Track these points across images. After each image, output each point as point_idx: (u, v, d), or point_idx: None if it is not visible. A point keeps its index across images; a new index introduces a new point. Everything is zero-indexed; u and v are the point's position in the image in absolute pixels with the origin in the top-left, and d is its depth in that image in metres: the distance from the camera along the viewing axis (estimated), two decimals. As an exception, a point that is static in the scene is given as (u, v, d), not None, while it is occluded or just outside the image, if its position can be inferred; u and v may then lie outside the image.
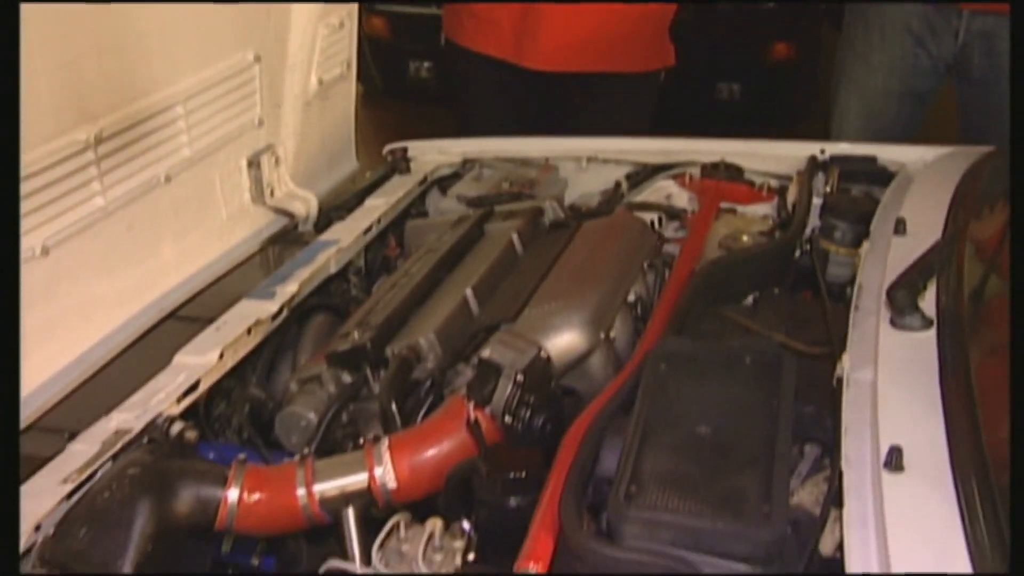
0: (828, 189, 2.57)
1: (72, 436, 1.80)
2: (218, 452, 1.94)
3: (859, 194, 2.60)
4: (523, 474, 1.56)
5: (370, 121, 3.09)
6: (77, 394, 1.99)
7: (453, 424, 1.70)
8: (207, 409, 2.12)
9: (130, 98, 2.15)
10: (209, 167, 2.48)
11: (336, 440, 1.95)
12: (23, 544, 1.55)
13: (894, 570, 1.22)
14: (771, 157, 2.80)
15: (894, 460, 1.37)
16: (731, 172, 2.67)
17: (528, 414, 1.67)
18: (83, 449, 1.72)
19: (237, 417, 2.01)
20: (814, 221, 2.50)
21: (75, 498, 1.62)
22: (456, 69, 3.86)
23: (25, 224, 1.92)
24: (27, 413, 1.88)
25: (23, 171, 1.87)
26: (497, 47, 3.55)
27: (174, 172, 2.33)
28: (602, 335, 1.86)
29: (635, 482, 1.44)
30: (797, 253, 2.37)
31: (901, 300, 1.68)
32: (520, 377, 1.66)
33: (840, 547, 1.37)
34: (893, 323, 1.71)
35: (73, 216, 2.04)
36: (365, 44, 6.53)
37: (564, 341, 1.83)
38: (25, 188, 1.90)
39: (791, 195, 2.61)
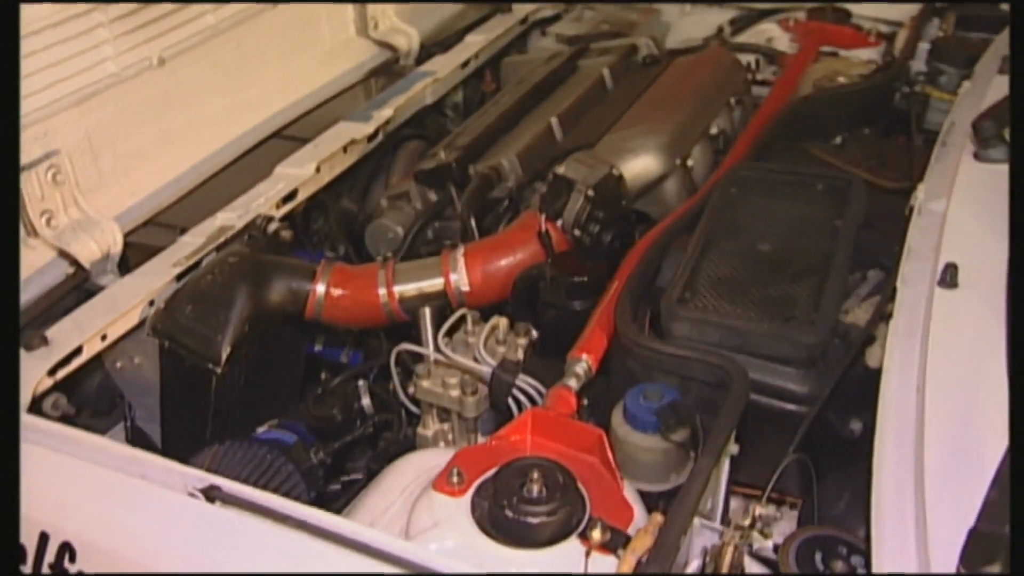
0: (941, 33, 2.46)
1: (183, 231, 1.97)
2: (312, 259, 2.09)
3: (975, 39, 2.47)
4: (585, 279, 1.64)
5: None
6: (189, 197, 2.16)
7: (526, 235, 1.78)
8: (306, 221, 2.28)
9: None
10: (316, -7, 2.57)
11: (421, 255, 2.07)
12: (139, 316, 1.75)
13: (929, 379, 1.26)
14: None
15: (948, 276, 1.39)
16: (838, 15, 2.58)
17: (597, 229, 1.73)
18: (191, 241, 1.89)
19: (328, 225, 2.15)
20: (920, 67, 2.42)
21: (183, 281, 1.79)
22: None
23: (141, 36, 2.07)
24: (146, 210, 2.07)
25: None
26: None
27: (281, -6, 2.42)
28: (677, 161, 1.89)
29: (690, 288, 1.50)
30: (897, 97, 2.31)
31: (986, 131, 1.64)
32: (591, 192, 1.72)
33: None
34: (977, 156, 1.68)
35: (186, 32, 2.18)
36: None
37: (639, 164, 1.87)
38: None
39: (900, 40, 2.51)
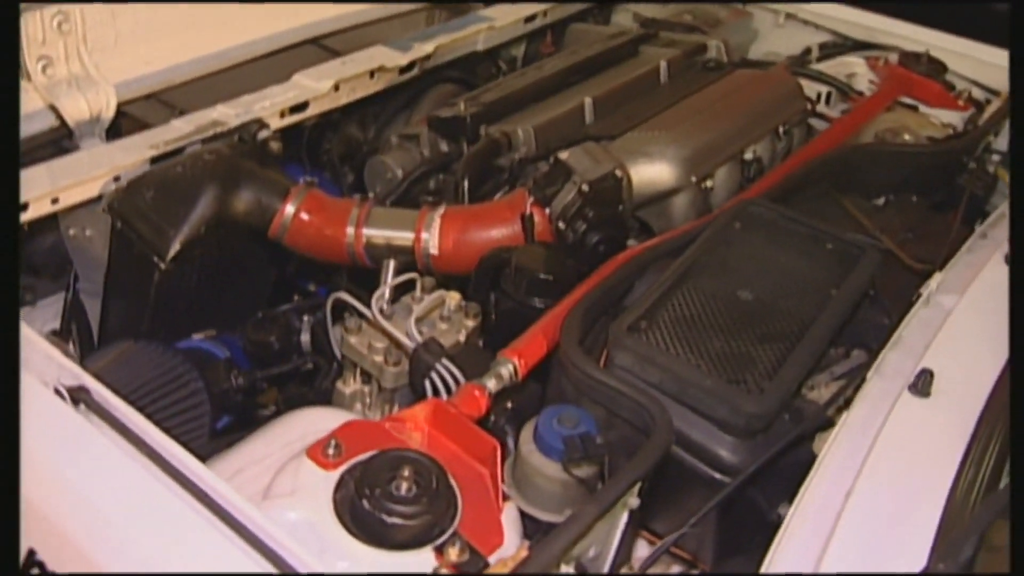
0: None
1: (182, 113, 1.89)
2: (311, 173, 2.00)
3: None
4: (551, 278, 1.52)
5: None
6: (201, 83, 2.08)
7: (510, 213, 1.67)
8: (318, 140, 2.19)
9: None
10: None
11: (417, 204, 1.97)
12: (99, 189, 1.68)
13: (858, 487, 1.14)
14: (988, 65, 2.44)
15: (921, 383, 1.25)
16: (933, 67, 2.37)
17: (584, 228, 1.61)
18: (180, 127, 1.81)
19: (329, 147, 2.06)
20: (1002, 145, 2.22)
21: (155, 165, 1.72)
22: None
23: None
24: (152, 84, 2.00)
25: None
26: None
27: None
28: (694, 178, 1.74)
29: (648, 318, 1.37)
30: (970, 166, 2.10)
31: (1024, 235, 1.47)
32: (585, 187, 1.59)
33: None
34: (1007, 258, 1.52)
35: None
36: None
37: (651, 171, 1.72)
38: None
39: (990, 112, 2.30)
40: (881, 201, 1.98)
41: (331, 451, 1.19)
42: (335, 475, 1.18)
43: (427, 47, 2.22)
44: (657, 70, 2.17)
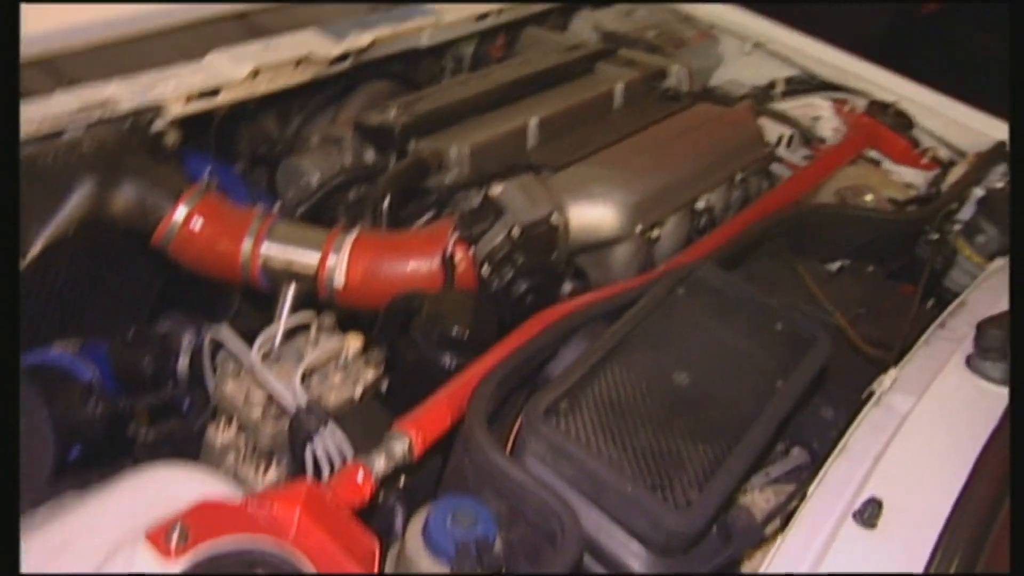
0: (1001, 185, 2.13)
1: (70, 84, 1.65)
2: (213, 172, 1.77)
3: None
4: (465, 334, 1.33)
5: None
6: (103, 50, 1.83)
7: (430, 247, 1.47)
8: (226, 127, 1.96)
9: None
10: None
11: (333, 218, 1.76)
12: None
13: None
14: (958, 124, 2.31)
15: (866, 514, 1.09)
16: (899, 121, 2.24)
17: (511, 275, 1.43)
18: (65, 101, 1.56)
19: (241, 144, 1.83)
20: (965, 214, 2.10)
21: (26, 147, 1.48)
22: None
23: None
24: (45, 46, 1.75)
25: None
26: None
27: None
28: (639, 228, 1.56)
29: (570, 398, 1.20)
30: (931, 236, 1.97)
31: (990, 340, 1.33)
32: (516, 231, 1.41)
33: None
34: (969, 362, 1.38)
35: None
36: None
37: (592, 215, 1.54)
38: None
39: (954, 174, 2.17)
40: (836, 266, 1.84)
41: (175, 537, 0.99)
42: (179, 565, 0.98)
43: (364, 38, 1.99)
44: (612, 93, 1.99)
